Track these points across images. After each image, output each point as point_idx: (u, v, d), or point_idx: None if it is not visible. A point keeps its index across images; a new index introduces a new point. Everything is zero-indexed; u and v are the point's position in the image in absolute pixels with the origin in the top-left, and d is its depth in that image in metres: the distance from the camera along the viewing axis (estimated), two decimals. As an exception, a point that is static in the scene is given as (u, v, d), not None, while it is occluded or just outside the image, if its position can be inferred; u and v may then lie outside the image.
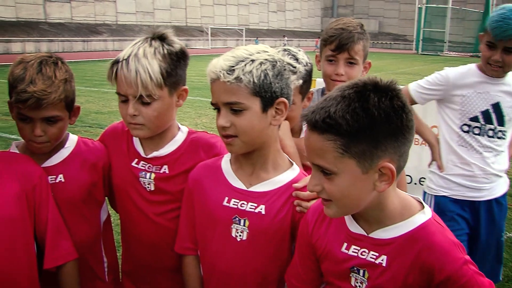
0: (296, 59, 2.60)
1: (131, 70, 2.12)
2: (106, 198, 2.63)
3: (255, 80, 1.92)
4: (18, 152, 2.37)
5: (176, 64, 2.22)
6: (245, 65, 1.92)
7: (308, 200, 2.02)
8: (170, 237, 2.35)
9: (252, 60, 1.94)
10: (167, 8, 61.94)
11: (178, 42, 2.27)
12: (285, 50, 2.63)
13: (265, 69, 1.94)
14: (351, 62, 2.88)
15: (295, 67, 2.52)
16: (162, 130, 2.34)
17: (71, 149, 2.45)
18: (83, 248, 2.42)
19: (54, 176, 2.36)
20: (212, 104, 2.02)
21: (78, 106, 2.41)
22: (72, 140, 2.49)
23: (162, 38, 2.22)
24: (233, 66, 1.92)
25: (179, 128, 2.46)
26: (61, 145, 2.43)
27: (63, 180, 2.38)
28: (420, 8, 61.32)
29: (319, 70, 3.05)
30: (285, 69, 2.02)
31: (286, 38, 60.61)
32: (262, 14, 78.30)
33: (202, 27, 64.21)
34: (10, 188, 2.11)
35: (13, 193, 2.11)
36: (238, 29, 67.95)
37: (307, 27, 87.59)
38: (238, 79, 1.91)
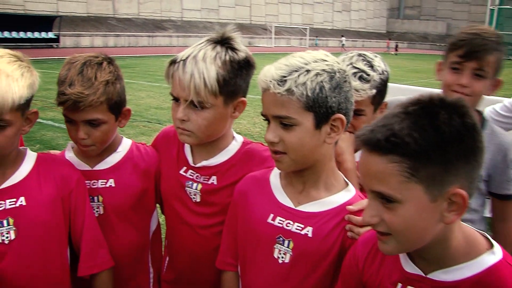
0: (371, 66, 2.34)
1: (186, 73, 1.97)
2: (158, 206, 2.52)
3: (309, 93, 1.71)
4: (73, 154, 2.32)
5: (236, 73, 2.03)
6: (299, 75, 1.71)
7: (362, 226, 1.79)
8: (214, 251, 2.20)
9: (307, 70, 1.73)
10: (232, 6, 62.46)
11: (244, 50, 2.08)
12: (360, 55, 2.37)
13: (321, 81, 1.73)
14: (478, 74, 2.43)
15: (369, 75, 2.29)
16: (212, 140, 2.17)
17: (123, 154, 2.36)
18: (129, 257, 2.34)
19: (105, 180, 2.29)
20: (262, 115, 1.84)
21: (128, 109, 2.29)
22: (125, 144, 2.40)
23: (227, 43, 2.05)
24: (285, 76, 1.72)
25: (234, 137, 2.28)
26: (113, 149, 2.34)
27: (113, 185, 2.29)
28: (492, 10, 59.13)
29: (439, 80, 2.62)
30: (345, 81, 1.79)
31: (344, 38, 59.63)
32: (326, 14, 77.80)
33: (266, 25, 64.36)
34: (47, 192, 2.05)
35: (49, 197, 2.05)
36: (302, 28, 67.72)
37: (372, 28, 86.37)
38: (289, 91, 1.71)
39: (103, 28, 47.96)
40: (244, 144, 2.27)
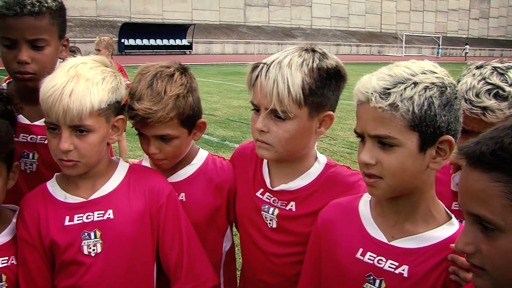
0: (507, 80, 1.98)
1: (270, 78, 1.79)
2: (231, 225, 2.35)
3: (416, 110, 1.48)
4: (149, 164, 2.22)
5: (324, 82, 1.82)
6: (405, 88, 1.49)
7: (468, 270, 1.49)
8: (289, 282, 2.00)
9: (415, 83, 1.50)
10: (362, 14, 61.64)
11: (334, 59, 1.88)
12: (494, 68, 2.01)
13: (431, 96, 1.49)
14: None
15: (505, 91, 1.94)
16: (293, 157, 1.95)
17: (197, 167, 2.21)
18: None
19: (176, 194, 2.15)
20: (355, 132, 1.61)
21: (203, 122, 2.15)
22: (201, 157, 2.25)
23: (315, 51, 1.87)
24: (389, 88, 1.49)
25: (317, 158, 2.04)
26: (187, 161, 2.20)
27: (184, 199, 2.15)
28: None
29: None
30: (455, 97, 1.55)
31: (468, 47, 56.18)
32: (462, 22, 74.31)
33: (397, 33, 62.76)
34: (135, 206, 1.96)
35: (137, 212, 1.96)
36: (435, 37, 65.22)
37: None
38: (393, 106, 1.48)
39: (234, 35, 49.43)
40: (328, 166, 2.03)
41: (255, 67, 1.87)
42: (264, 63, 1.84)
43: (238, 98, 16.93)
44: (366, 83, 1.55)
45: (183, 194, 2.15)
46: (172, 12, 46.90)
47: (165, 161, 2.08)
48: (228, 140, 10.44)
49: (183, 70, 2.08)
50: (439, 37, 63.99)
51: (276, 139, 1.85)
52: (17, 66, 2.11)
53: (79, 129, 1.79)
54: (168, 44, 42.15)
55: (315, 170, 2.01)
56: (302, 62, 1.81)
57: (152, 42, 41.18)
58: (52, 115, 1.76)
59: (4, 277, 1.88)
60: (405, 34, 60.36)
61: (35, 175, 2.26)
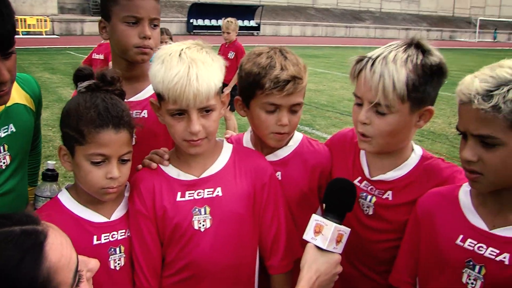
0: None
1: (375, 73, 1.89)
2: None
3: None
4: (251, 144, 2.35)
5: (427, 79, 1.92)
6: (508, 90, 1.54)
7: None
8: (382, 265, 2.14)
9: None
10: (435, -3, 59.67)
11: (437, 56, 1.95)
12: None
13: None
14: None
15: None
16: (392, 149, 2.07)
17: (293, 148, 2.31)
18: None
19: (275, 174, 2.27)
20: (457, 129, 1.70)
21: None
22: (296, 139, 2.35)
23: (420, 47, 1.95)
24: (491, 91, 1.56)
25: (413, 149, 2.14)
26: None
27: (280, 178, 2.25)
28: None
29: None
30: None
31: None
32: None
33: (471, 18, 60.44)
34: (242, 185, 2.09)
35: (244, 190, 2.08)
36: (512, 21, 62.37)
37: None
38: (496, 108, 1.54)
39: (302, 17, 49.13)
40: (424, 158, 2.12)
41: (359, 60, 1.97)
42: (369, 57, 1.94)
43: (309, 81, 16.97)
44: (468, 84, 1.62)
45: (279, 173, 2.25)
46: (241, -7, 47.11)
47: (286, 135, 2.18)
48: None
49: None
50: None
51: (378, 131, 1.95)
52: (140, 41, 2.38)
53: (206, 109, 1.93)
54: (236, 25, 42.46)
55: (412, 161, 2.11)
56: (407, 58, 1.89)
57: (220, 22, 41.44)
58: (182, 101, 1.87)
59: (123, 248, 2.05)
60: (480, 19, 58.10)
61: (136, 148, 2.33)
